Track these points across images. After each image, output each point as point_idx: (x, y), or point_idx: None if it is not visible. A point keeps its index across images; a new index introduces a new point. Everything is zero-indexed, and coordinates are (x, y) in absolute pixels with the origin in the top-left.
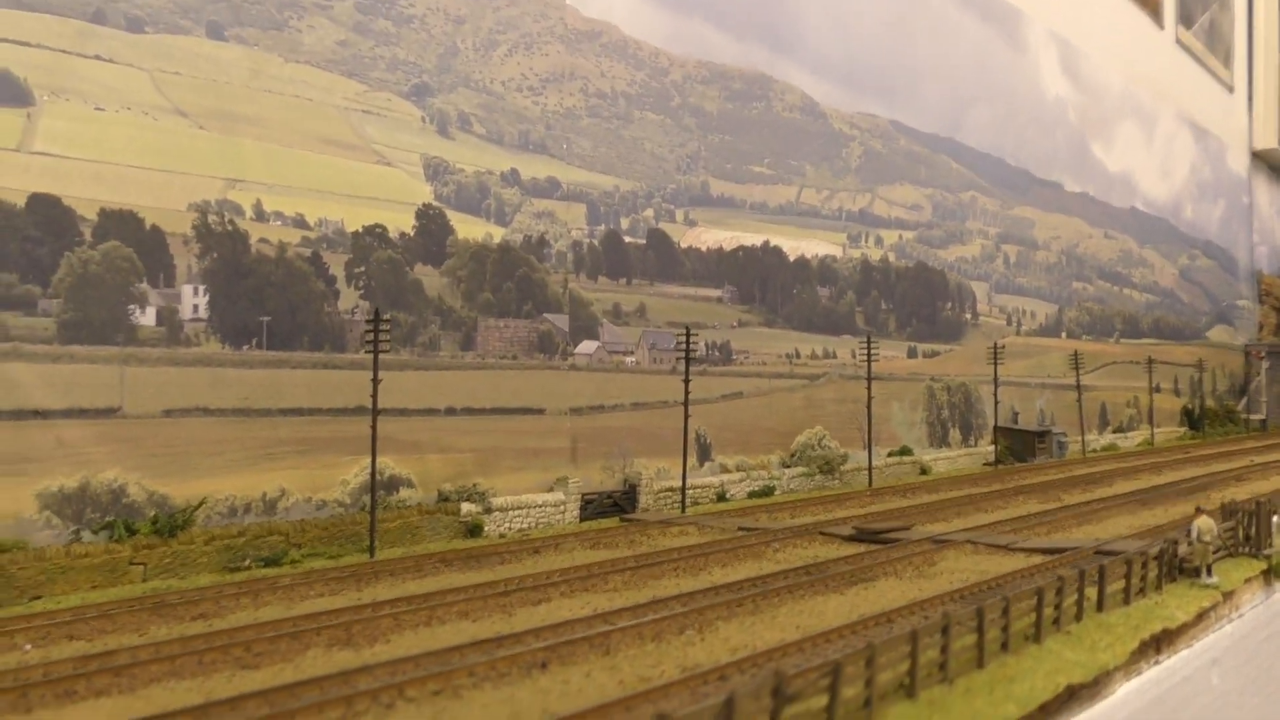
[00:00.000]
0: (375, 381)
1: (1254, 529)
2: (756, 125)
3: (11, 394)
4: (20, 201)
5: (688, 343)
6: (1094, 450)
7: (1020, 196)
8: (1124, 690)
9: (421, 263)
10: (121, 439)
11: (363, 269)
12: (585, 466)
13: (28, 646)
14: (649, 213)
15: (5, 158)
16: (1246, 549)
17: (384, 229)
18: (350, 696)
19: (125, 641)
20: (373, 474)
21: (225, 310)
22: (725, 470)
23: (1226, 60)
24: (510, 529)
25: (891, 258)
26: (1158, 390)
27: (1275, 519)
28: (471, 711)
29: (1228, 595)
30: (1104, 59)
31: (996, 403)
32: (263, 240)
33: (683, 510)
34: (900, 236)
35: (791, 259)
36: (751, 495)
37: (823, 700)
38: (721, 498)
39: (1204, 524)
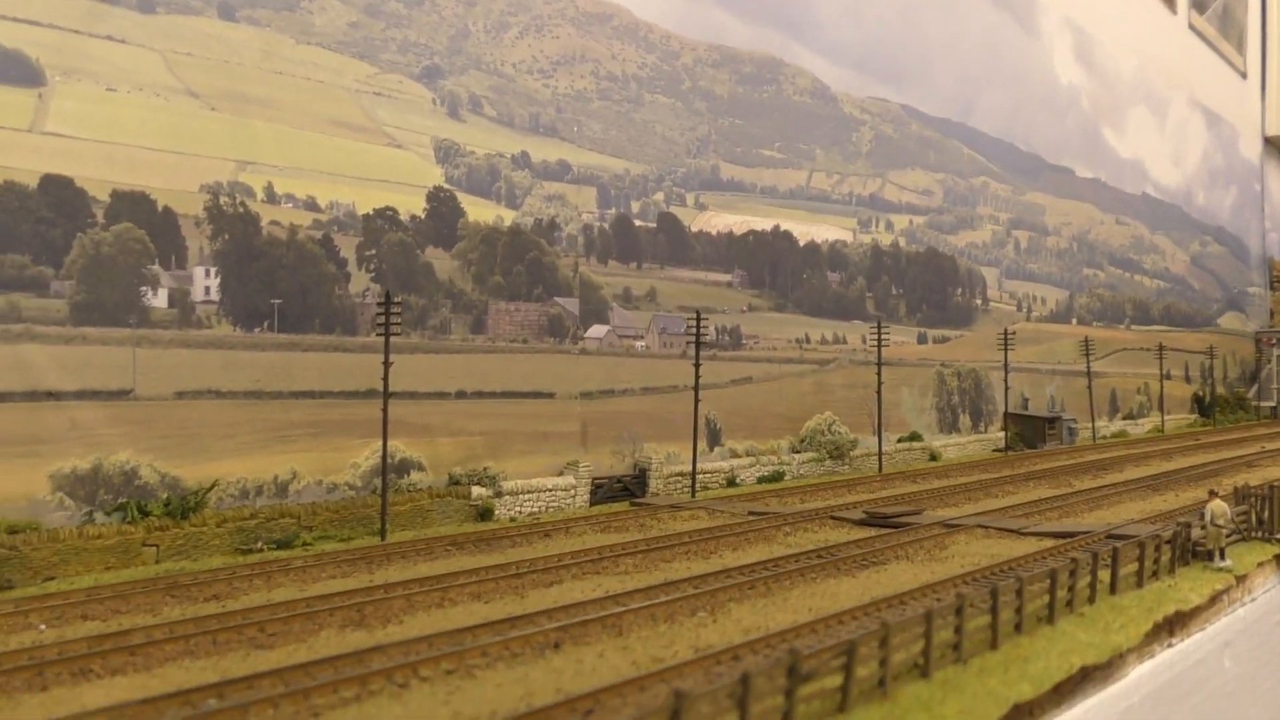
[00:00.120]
0: (386, 364)
1: (1267, 513)
2: (767, 109)
3: (25, 376)
4: (33, 183)
5: (698, 327)
6: (1104, 437)
7: (1031, 182)
8: (1137, 672)
9: (432, 245)
10: (134, 421)
11: (374, 252)
12: (595, 451)
13: (42, 626)
14: (659, 196)
15: (17, 138)
16: (1260, 533)
17: (395, 211)
18: (364, 676)
19: (139, 621)
20: (384, 457)
21: (237, 292)
22: (735, 455)
23: (1239, 46)
24: (521, 513)
25: (902, 243)
26: (1168, 377)
27: None
28: (485, 690)
29: (1241, 579)
30: (1116, 44)
31: (1007, 389)
32: (274, 222)
33: (692, 495)
34: (911, 222)
35: (802, 244)
36: (761, 480)
37: (837, 680)
38: (731, 483)
39: (1217, 507)
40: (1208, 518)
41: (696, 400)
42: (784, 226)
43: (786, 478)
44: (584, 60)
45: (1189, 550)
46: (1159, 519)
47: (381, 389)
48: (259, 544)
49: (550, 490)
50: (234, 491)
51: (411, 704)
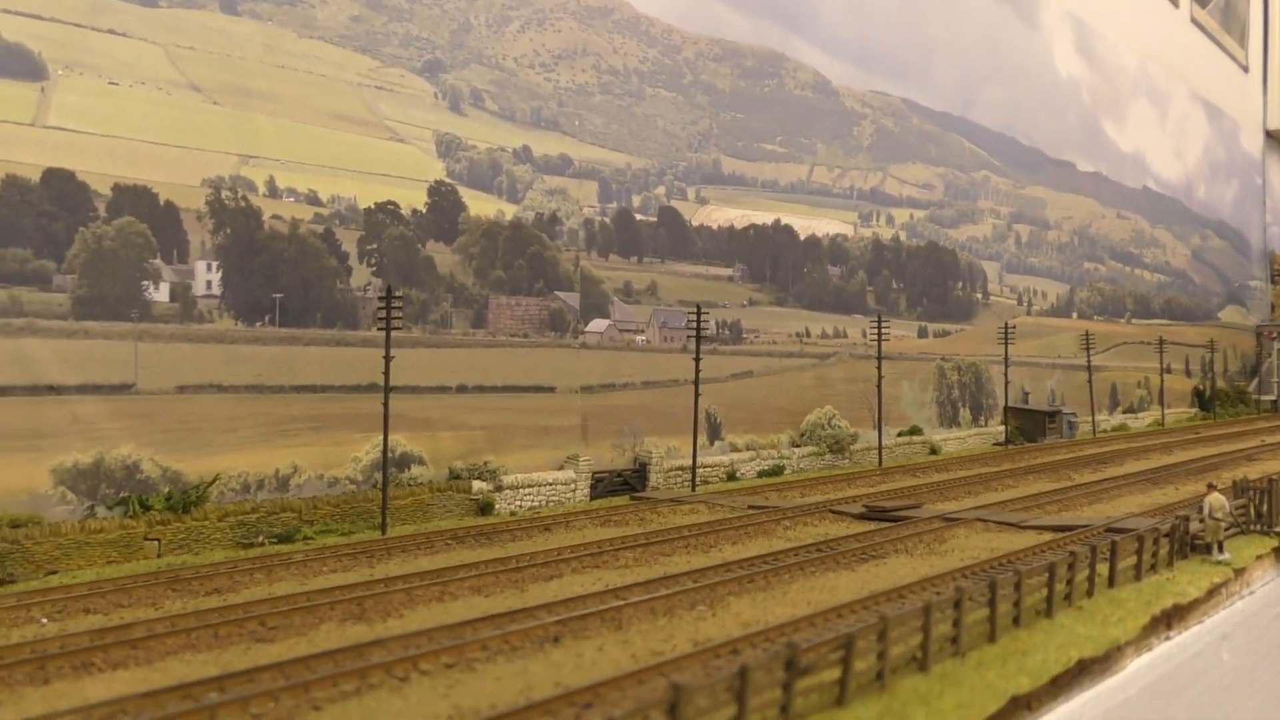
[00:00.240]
0: (387, 359)
1: (1266, 506)
2: (768, 103)
3: (27, 370)
4: (35, 176)
5: (699, 321)
6: (1104, 430)
7: (1032, 176)
8: (1135, 665)
9: (433, 240)
10: (135, 415)
11: (375, 246)
12: (596, 445)
13: (44, 620)
14: (660, 190)
15: (20, 132)
16: (1258, 526)
17: (396, 206)
18: (364, 669)
19: (141, 615)
20: (384, 451)
21: (238, 286)
22: (735, 449)
23: (1241, 39)
24: (521, 507)
25: (903, 237)
26: (1169, 371)
27: None
28: (485, 684)
29: (1239, 572)
30: (1118, 38)
31: (1007, 383)
32: (276, 217)
33: (693, 489)
34: (911, 215)
35: (802, 237)
36: (761, 474)
37: (835, 673)
38: (731, 476)
39: (1216, 501)
40: (1206, 511)
41: (697, 394)
42: (785, 220)
43: (786, 472)
44: (585, 54)
45: (1187, 544)
46: (1159, 513)
47: (383, 383)
48: (260, 538)
49: (550, 484)
50: (235, 486)
51: (411, 697)
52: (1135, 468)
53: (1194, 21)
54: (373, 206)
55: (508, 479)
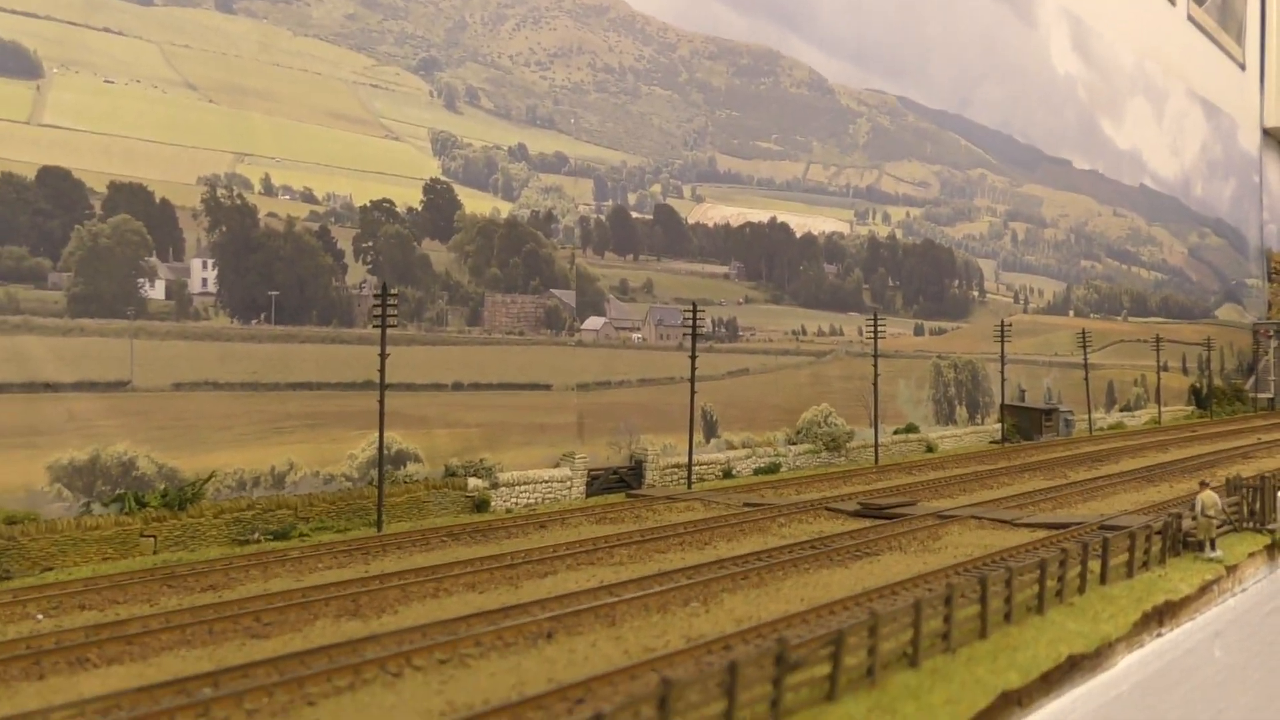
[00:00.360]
0: (383, 356)
1: (1259, 504)
2: (764, 101)
3: (23, 367)
4: (31, 174)
5: (694, 319)
6: (1101, 428)
7: (1029, 174)
8: (1126, 661)
9: (429, 238)
10: (131, 412)
11: (370, 244)
12: (592, 442)
13: (40, 616)
14: (656, 188)
15: (15, 130)
16: (1251, 524)
17: (392, 204)
18: (358, 665)
19: (136, 611)
20: (380, 448)
21: (234, 284)
22: (731, 447)
23: (1239, 37)
24: (517, 504)
25: (899, 235)
26: (1165, 369)
27: None
28: (478, 680)
29: (1231, 569)
30: (1115, 35)
31: (1003, 380)
32: (271, 214)
33: (688, 486)
34: (908, 213)
35: (798, 235)
36: (757, 472)
37: (826, 668)
38: (727, 474)
39: (1208, 498)
40: (1198, 508)
41: (693, 392)
42: (781, 218)
43: (782, 469)
44: (581, 52)
45: (1180, 541)
46: (1153, 510)
47: (378, 380)
48: (256, 535)
49: (546, 482)
50: (231, 483)
51: (405, 692)
52: (1130, 465)
53: (1191, 19)
54: (368, 204)
55: (503, 476)
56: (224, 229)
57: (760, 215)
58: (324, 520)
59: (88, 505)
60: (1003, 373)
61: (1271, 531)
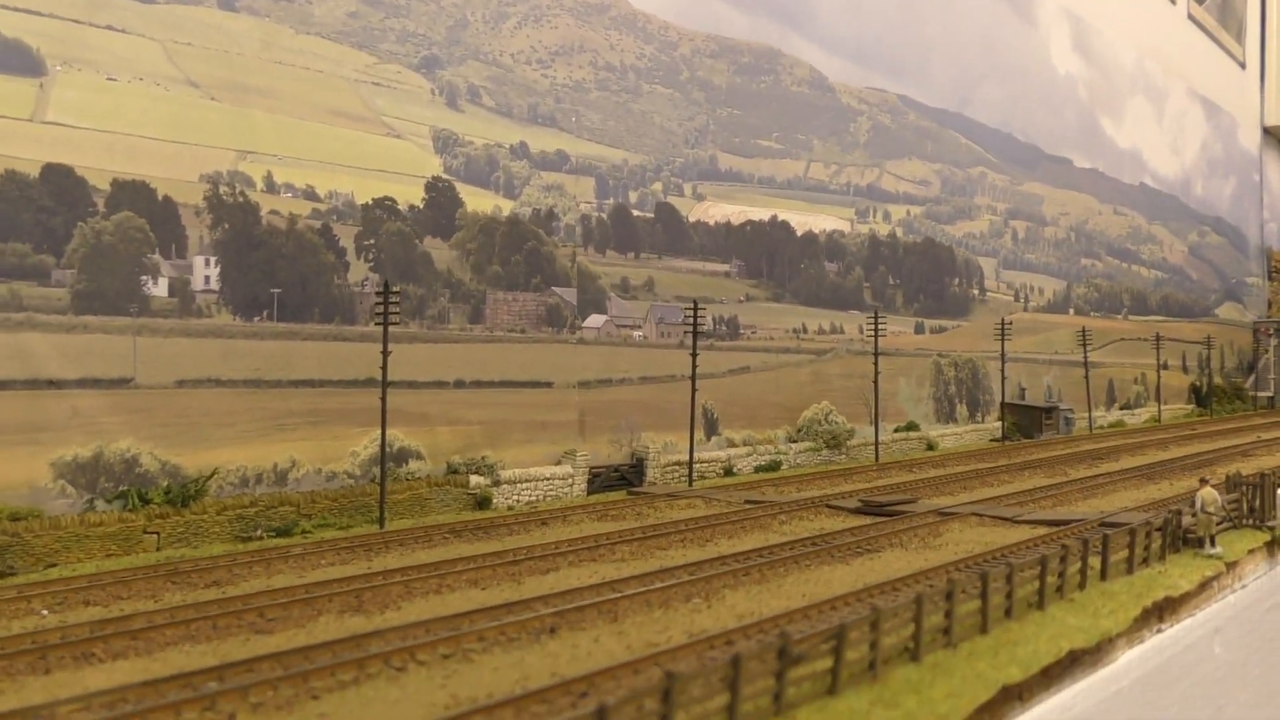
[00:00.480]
0: (385, 354)
1: (1258, 501)
2: (765, 99)
3: (26, 364)
4: (34, 172)
5: (695, 317)
6: (1101, 427)
7: (1029, 172)
8: (1126, 657)
9: (431, 235)
10: (134, 409)
11: (372, 241)
12: (593, 440)
13: (45, 612)
14: (657, 186)
15: (19, 128)
16: (1250, 521)
17: (394, 201)
18: (362, 659)
19: (141, 607)
20: (382, 446)
21: (236, 282)
22: (732, 445)
23: (1239, 36)
24: (518, 501)
25: (899, 233)
26: (1165, 367)
27: None
28: (481, 674)
29: (1231, 566)
30: (1115, 34)
31: (1004, 379)
32: (273, 212)
33: (689, 484)
34: (908, 212)
35: (799, 234)
36: (758, 470)
37: (828, 662)
38: (728, 472)
39: (1208, 495)
40: (1198, 505)
41: (694, 390)
42: (781, 217)
43: (783, 467)
44: (582, 50)
45: (1180, 537)
46: (1153, 507)
47: (380, 378)
48: (259, 532)
49: (548, 479)
50: (234, 480)
51: (409, 687)
52: (1130, 463)
53: (1191, 18)
54: (370, 202)
55: (505, 474)
56: (226, 226)
57: (761, 213)
58: (326, 517)
59: (91, 502)
60: (1003, 371)
61: (1271, 528)
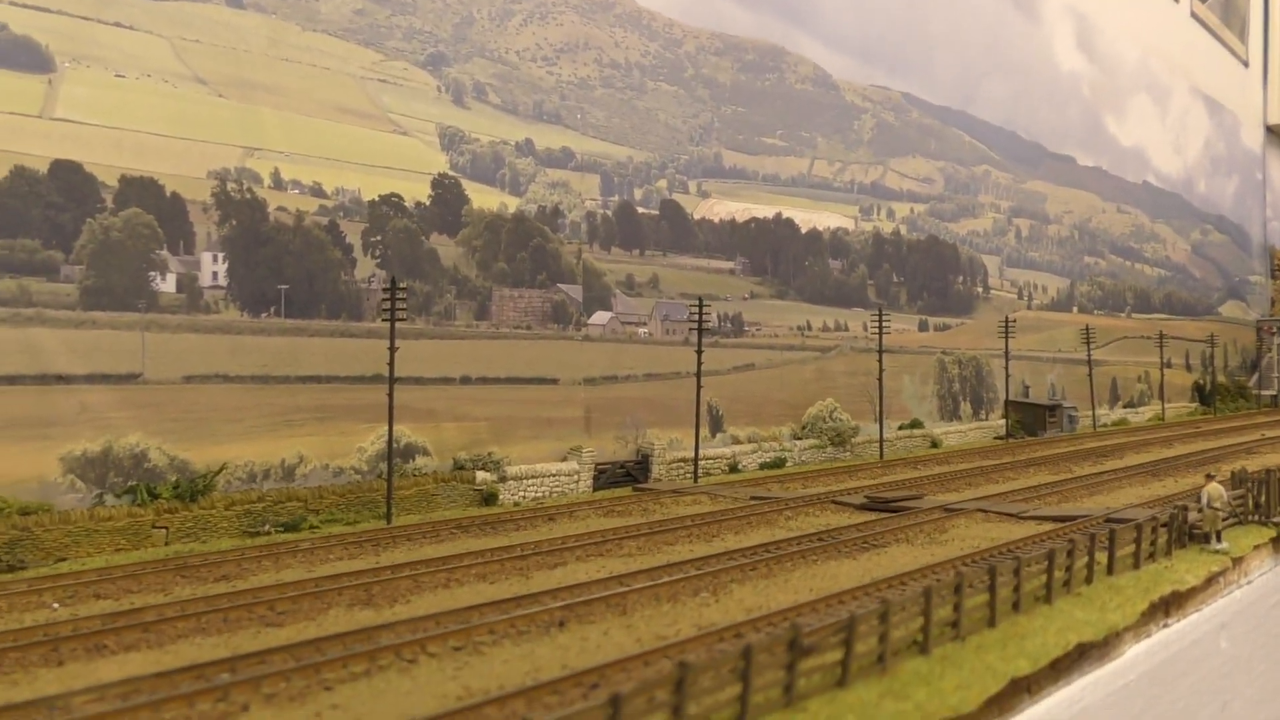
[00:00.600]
0: (392, 350)
1: (1264, 497)
2: (769, 97)
3: (36, 359)
4: (43, 168)
5: (700, 314)
6: (1105, 425)
7: (1032, 170)
8: (1134, 651)
9: (437, 232)
10: (143, 404)
11: (379, 238)
12: (598, 436)
13: (56, 605)
14: (662, 184)
15: (28, 124)
16: (1256, 517)
17: (400, 198)
18: (373, 651)
19: (151, 600)
20: (389, 441)
21: (244, 278)
22: (737, 442)
23: (1241, 34)
24: (524, 497)
25: (903, 231)
26: (1169, 365)
27: None
28: (492, 666)
29: (1237, 561)
30: (1118, 32)
31: (1007, 376)
32: (281, 208)
33: (695, 480)
34: (912, 209)
35: (803, 231)
36: (763, 466)
37: (838, 655)
38: (733, 469)
39: (1214, 491)
40: (1204, 501)
41: (699, 387)
42: (786, 214)
43: (788, 464)
44: (587, 48)
45: (1186, 533)
46: (1158, 504)
47: (387, 374)
48: (266, 527)
49: (554, 475)
50: (242, 475)
51: (420, 678)
52: (1135, 461)
53: (1194, 16)
54: (377, 199)
55: (511, 470)
56: (234, 223)
57: (765, 211)
58: (333, 512)
59: (100, 497)
60: (1007, 369)
61: (1277, 524)
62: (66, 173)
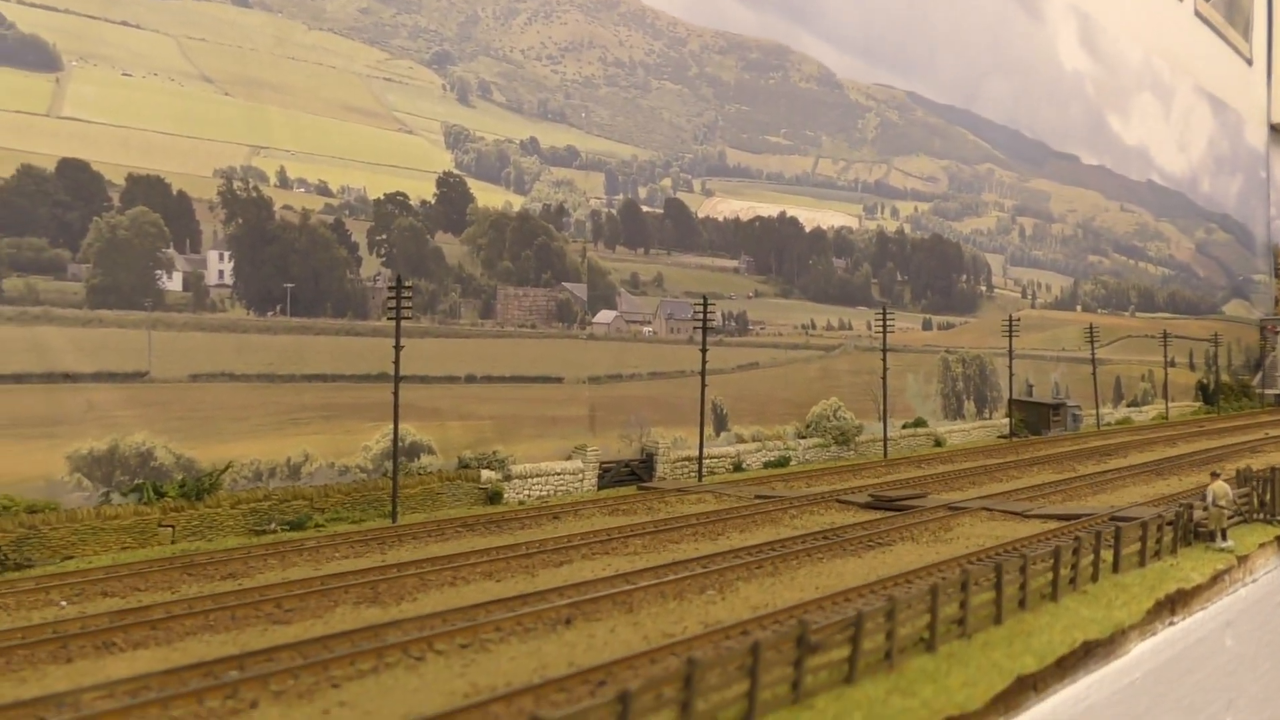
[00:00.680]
0: (397, 348)
1: (1269, 495)
2: (773, 95)
3: (43, 357)
4: (50, 166)
5: (705, 313)
6: (1108, 423)
7: (1036, 169)
8: (1139, 649)
9: (442, 230)
10: (149, 403)
11: (384, 236)
12: (603, 435)
13: (63, 603)
14: (666, 182)
15: (35, 123)
16: (1261, 515)
17: (405, 197)
18: (381, 649)
19: (158, 598)
20: (394, 440)
21: (250, 276)
22: (741, 440)
23: (1245, 32)
24: (529, 496)
25: (907, 229)
26: (1172, 364)
27: None
28: (499, 663)
29: (1242, 559)
30: (1121, 30)
31: (1011, 375)
32: (286, 207)
33: (699, 479)
34: (916, 208)
35: (808, 230)
36: (767, 465)
37: (845, 651)
38: (737, 467)
39: (1219, 489)
40: (1210, 499)
41: (703, 385)
42: (790, 213)
43: (792, 463)
44: (592, 46)
45: (1191, 531)
46: (1163, 502)
47: (392, 373)
48: (272, 525)
49: (558, 474)
50: (247, 473)
51: (428, 675)
52: (1139, 459)
53: (1198, 14)
54: (382, 197)
55: (516, 468)
56: (240, 221)
57: (770, 209)
58: (339, 511)
59: (107, 495)
60: (1010, 367)
61: None
62: (74, 171)
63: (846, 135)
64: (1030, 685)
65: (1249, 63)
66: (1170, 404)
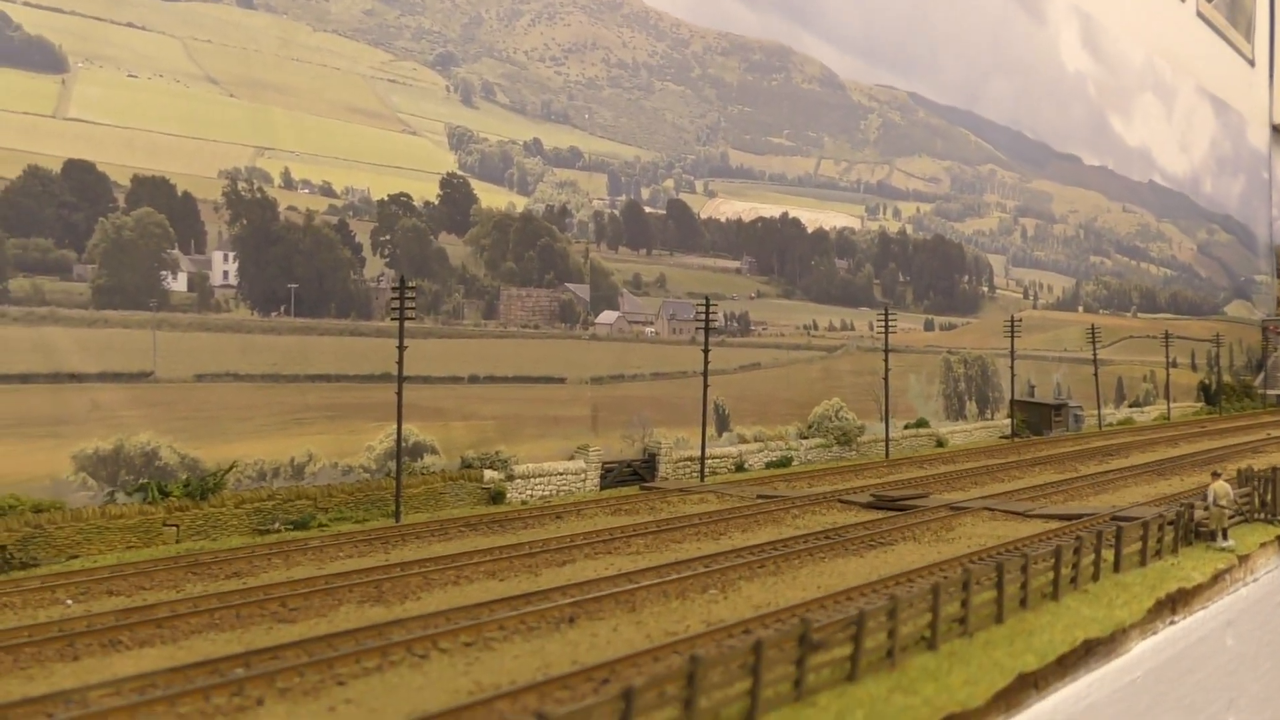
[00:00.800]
0: (400, 349)
1: (1270, 495)
2: (776, 97)
3: (48, 358)
4: (56, 167)
5: (707, 313)
6: (1110, 424)
7: (1038, 170)
8: (1140, 648)
9: (446, 231)
10: (154, 403)
11: (388, 237)
12: (605, 435)
13: (69, 601)
14: (669, 183)
15: (41, 124)
16: (1262, 515)
17: (409, 198)
18: (385, 647)
19: (163, 597)
20: (398, 440)
21: (254, 277)
22: (743, 440)
23: (1248, 33)
24: (532, 496)
25: (909, 230)
26: (1174, 365)
27: None
28: (503, 661)
29: (1243, 559)
30: (1123, 31)
31: (1013, 376)
32: (291, 208)
33: (701, 479)
34: (918, 209)
35: (810, 231)
36: (769, 465)
37: (847, 650)
38: (739, 467)
39: (1220, 489)
40: (1210, 499)
41: (705, 386)
42: (792, 213)
43: (794, 463)
44: (595, 48)
45: (1192, 530)
46: (1164, 502)
47: (396, 373)
48: (276, 525)
49: (561, 474)
50: (252, 473)
51: (432, 673)
52: (1140, 460)
53: (1200, 15)
54: (386, 198)
55: (519, 468)
56: (244, 222)
57: (772, 210)
58: (342, 511)
59: (112, 494)
60: (1012, 368)
61: None
62: (79, 172)
63: (849, 136)
64: (1031, 683)
65: (1251, 63)
66: (1172, 404)
